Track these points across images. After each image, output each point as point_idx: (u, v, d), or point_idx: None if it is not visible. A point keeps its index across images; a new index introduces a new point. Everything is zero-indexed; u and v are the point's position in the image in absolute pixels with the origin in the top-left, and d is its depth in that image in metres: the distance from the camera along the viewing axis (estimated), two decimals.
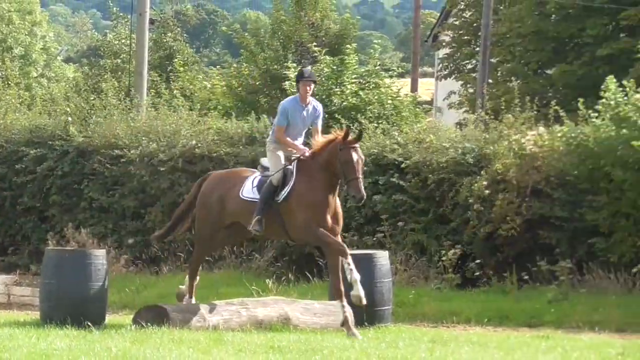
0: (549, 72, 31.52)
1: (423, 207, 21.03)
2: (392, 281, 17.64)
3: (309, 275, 20.38)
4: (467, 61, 34.64)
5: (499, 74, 31.80)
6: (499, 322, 18.82)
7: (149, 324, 13.75)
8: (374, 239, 20.35)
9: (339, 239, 14.69)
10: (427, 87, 45.95)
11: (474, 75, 32.28)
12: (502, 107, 22.42)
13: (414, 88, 36.19)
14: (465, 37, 34.69)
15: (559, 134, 20.93)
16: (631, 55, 24.75)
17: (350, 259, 14.23)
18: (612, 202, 20.17)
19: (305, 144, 15.42)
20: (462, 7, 35.36)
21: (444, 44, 36.74)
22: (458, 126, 26.02)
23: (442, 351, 13.35)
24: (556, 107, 21.33)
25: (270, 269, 21.22)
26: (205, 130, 23.01)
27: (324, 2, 31.75)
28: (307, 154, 14.64)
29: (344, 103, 22.74)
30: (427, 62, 64.48)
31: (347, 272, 14.51)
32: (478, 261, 20.61)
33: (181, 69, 37.55)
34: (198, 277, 15.67)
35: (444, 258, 20.34)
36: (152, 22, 31.21)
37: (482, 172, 20.92)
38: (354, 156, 14.10)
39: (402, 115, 24.42)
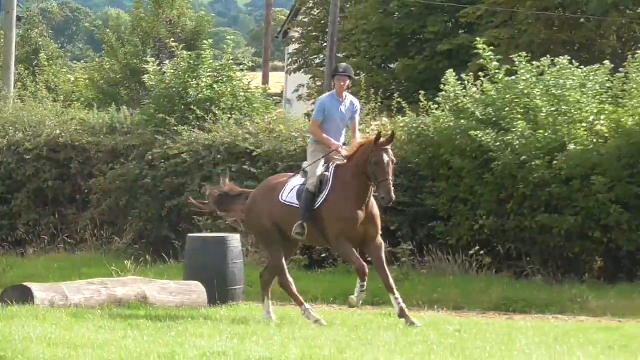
0: (392, 66, 31.91)
1: None
2: (244, 262, 17.89)
3: (166, 257, 20.60)
4: (315, 56, 34.89)
5: None
6: (344, 301, 18.62)
7: (14, 302, 13.68)
8: (227, 223, 20.13)
9: (378, 240, 14.10)
10: (277, 81, 46.21)
11: (321, 69, 32.49)
12: None
13: (265, 81, 36.36)
14: (314, 34, 34.94)
15: (402, 124, 21.23)
16: (469, 51, 25.08)
17: (365, 282, 13.74)
18: (450, 188, 20.55)
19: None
20: (310, 5, 35.62)
21: (293, 40, 37.14)
22: (306, 117, 26.25)
23: (290, 327, 13.51)
24: (399, 99, 21.86)
25: (129, 251, 21.55)
26: (68, 120, 23.44)
27: (180, 1, 32.08)
28: (341, 151, 14.02)
29: (200, 95, 22.80)
30: (278, 57, 64.87)
31: (357, 290, 14.10)
32: None
33: (46, 63, 37.83)
34: (269, 303, 14.72)
35: None
36: (19, 19, 31.74)
37: None
38: (385, 158, 13.59)
39: (254, 106, 24.65)
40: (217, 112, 21.84)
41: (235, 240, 17.35)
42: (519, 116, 20.20)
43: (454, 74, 21.23)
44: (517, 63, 20.71)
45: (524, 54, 21.10)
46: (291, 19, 41.24)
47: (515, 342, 13.30)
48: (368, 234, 13.93)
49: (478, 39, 22.20)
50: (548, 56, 21.41)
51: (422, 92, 21.80)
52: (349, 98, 14.32)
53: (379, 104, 22.95)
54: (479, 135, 19.99)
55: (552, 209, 20.09)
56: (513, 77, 20.67)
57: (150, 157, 22.26)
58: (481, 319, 17.25)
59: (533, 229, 20.07)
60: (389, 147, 13.72)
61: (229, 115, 22.22)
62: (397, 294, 13.97)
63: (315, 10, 35.36)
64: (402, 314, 14.05)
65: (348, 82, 14.23)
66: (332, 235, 13.90)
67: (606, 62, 21.40)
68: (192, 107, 22.30)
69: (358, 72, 25.11)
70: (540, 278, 20.11)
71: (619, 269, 20.12)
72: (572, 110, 20.17)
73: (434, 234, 20.88)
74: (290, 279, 14.44)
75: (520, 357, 11.84)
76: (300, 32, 35.92)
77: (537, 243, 20.27)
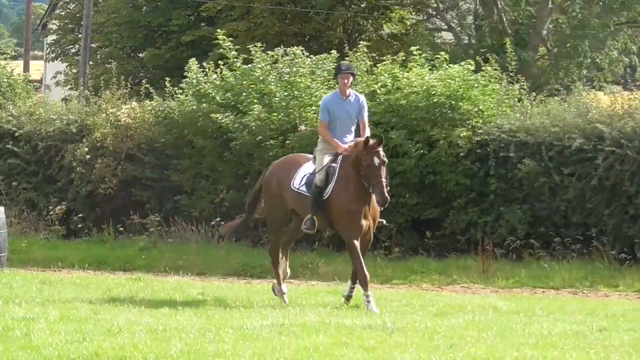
0: (141, 55, 32.35)
1: (34, 170, 22.27)
2: (8, 232, 17.92)
3: None
4: (72, 46, 35.10)
5: (98, 57, 32.89)
6: (97, 267, 19.64)
7: None
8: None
9: (369, 234, 13.13)
10: (37, 68, 46.49)
11: (77, 58, 32.64)
12: (101, 85, 23.62)
13: (26, 69, 37.51)
14: (70, 26, 35.15)
15: (149, 108, 21.77)
16: (211, 42, 25.35)
17: (370, 292, 12.85)
18: (194, 165, 20.96)
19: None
20: (67, 0, 35.97)
21: (51, 31, 37.34)
22: (64, 101, 26.70)
23: (50, 291, 13.55)
24: (147, 85, 22.21)
25: None
26: None
27: None
28: (346, 154, 13.05)
29: None
30: (38, 47, 64.60)
31: (364, 302, 13.09)
32: (80, 215, 21.61)
33: None
34: (286, 262, 13.86)
35: (51, 213, 21.30)
36: None
37: (84, 139, 21.86)
38: (376, 161, 12.60)
39: (15, 91, 25.07)
40: None
41: (0, 212, 17.33)
42: (255, 100, 20.47)
43: (197, 62, 21.55)
44: (253, 53, 21.02)
45: (259, 44, 21.48)
46: (49, 13, 41.46)
47: (253, 303, 13.50)
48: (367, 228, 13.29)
49: (218, 30, 22.74)
50: (281, 46, 21.80)
51: (167, 78, 22.12)
52: (353, 95, 13.38)
53: (129, 89, 23.19)
54: (219, 118, 20.31)
55: None
56: (250, 65, 20.95)
57: None
58: (222, 283, 17.44)
59: None
60: (379, 149, 12.72)
61: None
62: (356, 286, 13.27)
63: (71, 4, 35.65)
64: (347, 299, 13.45)
65: (351, 79, 13.34)
66: (340, 228, 13.18)
67: (333, 51, 21.79)
68: None
69: (110, 60, 25.82)
70: None
71: None
72: (303, 95, 20.44)
73: (179, 207, 21.27)
74: (284, 262, 13.78)
75: (257, 317, 11.88)
76: (58, 24, 36.14)
77: None
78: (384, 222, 13.53)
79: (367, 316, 12.92)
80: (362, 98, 13.43)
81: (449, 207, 20.05)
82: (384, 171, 12.61)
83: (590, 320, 12.85)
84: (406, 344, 10.57)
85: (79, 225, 21.51)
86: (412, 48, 21.82)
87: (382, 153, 12.63)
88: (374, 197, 12.72)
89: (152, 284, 15.99)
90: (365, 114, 13.32)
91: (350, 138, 13.18)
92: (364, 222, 12.89)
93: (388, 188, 12.57)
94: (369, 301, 12.66)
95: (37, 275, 16.76)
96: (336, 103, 13.19)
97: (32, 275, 16.90)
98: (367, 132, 13.21)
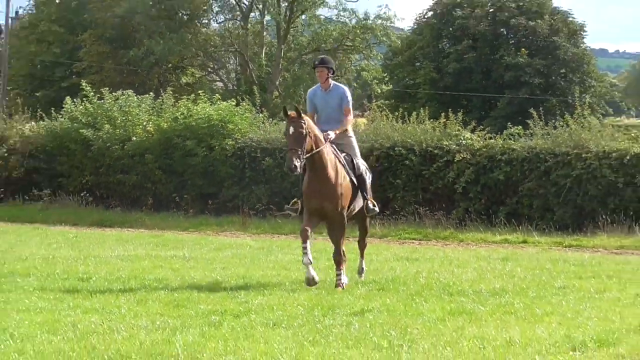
0: (37, 94, 37.32)
1: None
2: None
3: None
4: None
5: (11, 94, 36.90)
6: (12, 220, 22.76)
7: None
8: None
9: (337, 218, 11.52)
10: None
11: None
12: (13, 112, 27.48)
13: None
14: None
15: (43, 125, 25.42)
16: (79, 86, 27.69)
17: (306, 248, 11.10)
18: (69, 160, 24.86)
19: None
20: None
21: None
22: None
23: None
24: (41, 113, 25.89)
25: None
26: None
27: None
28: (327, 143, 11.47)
29: None
30: None
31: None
32: (2, 189, 25.07)
33: None
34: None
35: None
36: None
37: (2, 145, 25.21)
38: (290, 129, 11.03)
39: None
40: None
41: None
42: (105, 121, 24.36)
43: (71, 99, 25.27)
44: (104, 93, 24.33)
45: (107, 88, 24.83)
46: None
47: (106, 240, 17.01)
48: (325, 209, 11.50)
49: (82, 81, 26.72)
50: (121, 90, 25.32)
51: (53, 108, 25.78)
52: (334, 87, 11.95)
53: (30, 114, 26.84)
54: (84, 132, 23.97)
55: (125, 172, 24.82)
56: (102, 101, 24.41)
57: None
58: (88, 231, 20.45)
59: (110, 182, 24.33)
60: (300, 119, 11.09)
61: None
62: (343, 269, 11.59)
63: None
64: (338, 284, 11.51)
65: (326, 72, 11.81)
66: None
67: (151, 93, 25.67)
68: None
69: (18, 97, 29.91)
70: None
71: (166, 204, 24.07)
72: (133, 119, 24.61)
73: (62, 185, 24.73)
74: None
75: (114, 249, 15.22)
76: None
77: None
78: (375, 208, 12.01)
79: (174, 250, 15.61)
80: (343, 88, 12.00)
81: (222, 186, 23.76)
82: (296, 140, 10.92)
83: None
84: (197, 267, 13.08)
85: (1, 196, 25.92)
86: (200, 91, 26.31)
87: (301, 123, 11.00)
88: (335, 178, 11.30)
89: (46, 231, 19.60)
90: (346, 102, 11.80)
91: (337, 126, 11.71)
92: (313, 202, 11.39)
93: (299, 161, 10.87)
94: (304, 254, 11.10)
95: None
96: (316, 95, 11.95)
97: None
98: (349, 119, 11.89)
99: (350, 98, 11.91)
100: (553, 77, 48.84)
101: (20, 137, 26.68)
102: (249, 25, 50.18)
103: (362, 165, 11.97)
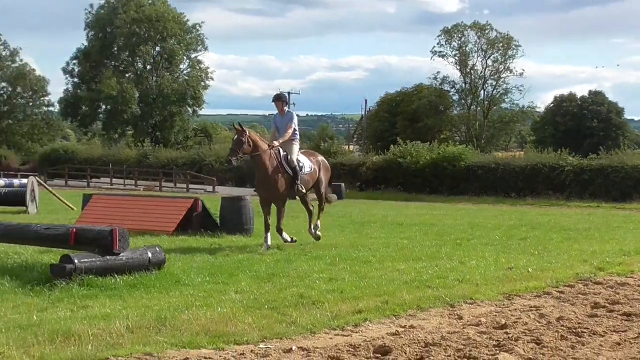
0: None
1: None
2: None
3: None
4: None
5: None
6: None
7: None
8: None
9: (278, 203, 14.71)
10: None
11: None
12: None
13: None
14: None
15: None
16: None
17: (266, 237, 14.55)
18: None
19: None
20: None
21: None
22: None
23: None
24: None
25: None
26: None
27: None
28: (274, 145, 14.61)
29: None
30: None
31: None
32: None
33: None
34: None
35: None
36: None
37: None
38: (234, 137, 14.18)
39: None
40: None
41: None
42: None
43: None
44: None
45: None
46: None
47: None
48: (269, 195, 14.63)
49: None
50: None
51: None
52: (288, 113, 14.92)
53: None
54: None
55: None
56: None
57: None
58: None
59: None
60: (242, 133, 13.99)
61: None
62: (286, 236, 14.77)
63: None
64: (279, 231, 14.74)
65: (281, 104, 14.76)
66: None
67: None
68: None
69: None
70: None
71: None
72: None
73: None
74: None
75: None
76: None
77: None
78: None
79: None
80: (290, 115, 15.02)
81: None
82: (238, 147, 13.96)
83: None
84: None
85: None
86: None
87: (243, 134, 13.98)
88: (273, 171, 14.37)
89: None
90: (291, 124, 14.80)
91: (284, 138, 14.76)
92: (260, 191, 14.55)
93: (236, 158, 14.01)
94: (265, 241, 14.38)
95: None
96: (277, 119, 14.98)
97: None
98: (288, 132, 14.83)
99: (295, 120, 15.10)
100: None
101: None
102: None
103: (295, 160, 14.96)
